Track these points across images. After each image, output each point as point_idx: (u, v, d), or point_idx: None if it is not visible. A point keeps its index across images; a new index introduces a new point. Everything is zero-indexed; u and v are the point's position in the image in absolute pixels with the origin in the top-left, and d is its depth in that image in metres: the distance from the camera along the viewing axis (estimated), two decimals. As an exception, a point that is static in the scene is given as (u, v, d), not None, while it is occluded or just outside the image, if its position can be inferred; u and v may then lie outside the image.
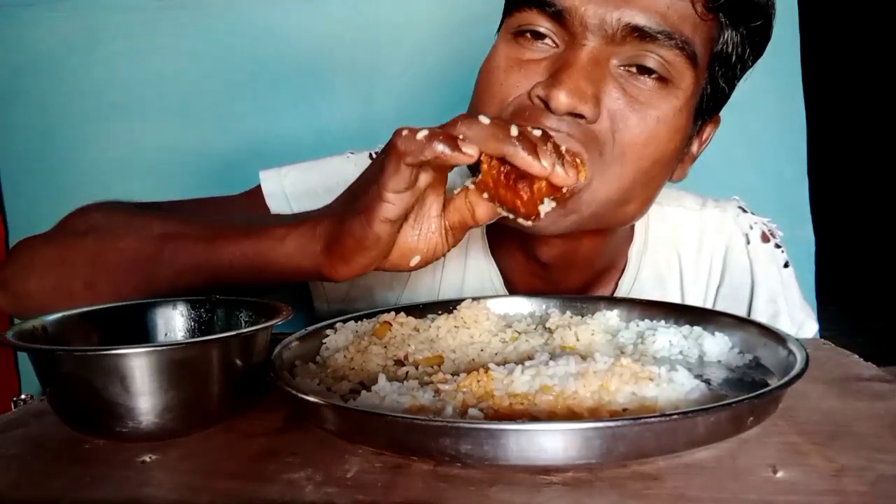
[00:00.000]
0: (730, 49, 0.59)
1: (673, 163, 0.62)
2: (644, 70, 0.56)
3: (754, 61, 0.63)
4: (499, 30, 0.64)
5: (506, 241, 0.73)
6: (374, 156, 0.79)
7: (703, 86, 0.60)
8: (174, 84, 1.20)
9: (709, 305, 0.77)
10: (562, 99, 0.53)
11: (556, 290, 0.73)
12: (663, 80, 0.56)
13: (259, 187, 0.75)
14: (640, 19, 0.54)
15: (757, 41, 0.62)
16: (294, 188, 0.75)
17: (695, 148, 0.66)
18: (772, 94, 1.18)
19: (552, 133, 0.52)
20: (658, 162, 0.59)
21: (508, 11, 0.61)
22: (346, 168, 0.76)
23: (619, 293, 0.76)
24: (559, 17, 0.55)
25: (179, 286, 0.55)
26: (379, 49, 1.20)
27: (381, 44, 1.20)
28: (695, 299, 0.77)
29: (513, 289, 0.75)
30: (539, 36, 0.57)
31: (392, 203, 0.44)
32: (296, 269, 0.52)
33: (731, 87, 0.63)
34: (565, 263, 0.70)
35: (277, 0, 1.19)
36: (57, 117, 1.20)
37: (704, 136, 0.67)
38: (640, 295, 0.76)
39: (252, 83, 1.19)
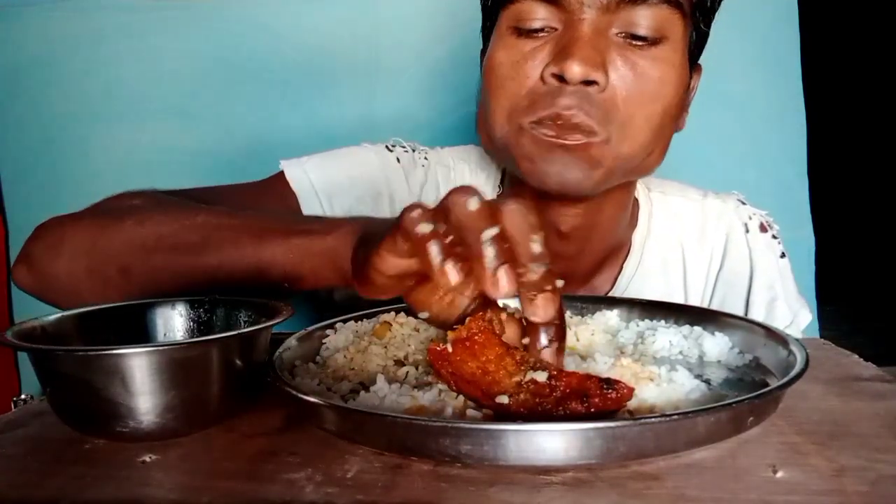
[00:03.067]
0: None
1: (679, 112, 0.67)
2: (639, 38, 0.60)
3: (720, 3, 0.68)
4: (494, 20, 0.66)
5: None
6: (391, 148, 0.82)
7: (690, 33, 0.64)
8: (174, 84, 1.20)
9: (709, 290, 0.80)
10: (575, 69, 0.57)
11: (568, 270, 0.75)
12: (658, 40, 0.60)
13: (280, 174, 0.76)
14: None
15: None
16: (316, 175, 0.76)
17: (687, 96, 0.70)
18: (772, 94, 1.19)
19: (566, 113, 0.58)
20: (667, 113, 0.63)
21: (503, 4, 0.64)
22: (368, 158, 0.79)
23: (624, 277, 0.78)
24: (555, 1, 0.59)
25: (219, 278, 0.55)
26: (379, 49, 1.20)
27: (382, 44, 1.20)
28: (696, 284, 0.80)
29: None
30: (537, 30, 0.61)
31: (384, 259, 0.43)
32: (333, 271, 0.52)
33: (709, 28, 0.68)
34: (583, 235, 0.72)
35: (277, 0, 1.19)
36: (57, 117, 1.20)
37: (692, 85, 0.71)
38: (643, 278, 0.78)
39: (252, 83, 1.19)
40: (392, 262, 0.42)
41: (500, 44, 0.63)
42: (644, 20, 0.59)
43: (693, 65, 0.68)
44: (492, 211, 0.38)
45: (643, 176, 0.72)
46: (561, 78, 0.59)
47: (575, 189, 0.63)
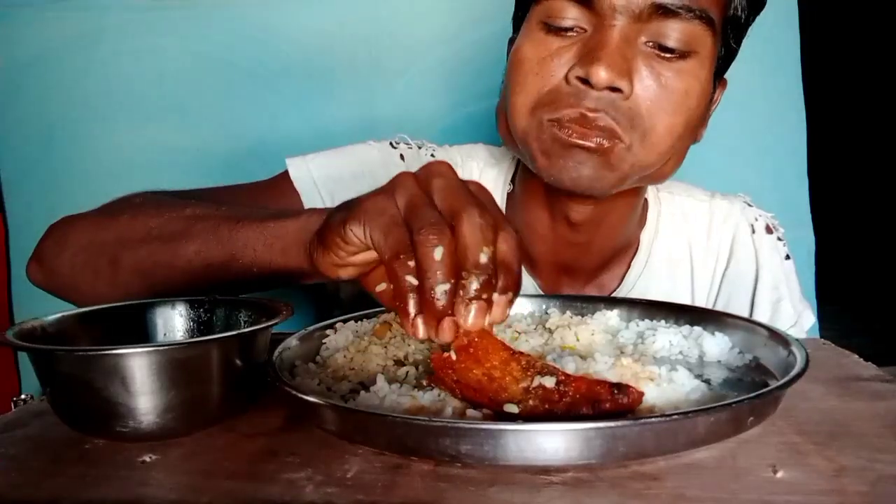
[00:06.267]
0: (738, 12, 0.64)
1: (700, 124, 0.67)
2: (668, 49, 0.60)
3: (753, 19, 0.67)
4: (525, 11, 0.66)
5: (532, 210, 0.76)
6: (395, 145, 0.83)
7: (719, 49, 0.64)
8: (174, 84, 1.19)
9: (715, 289, 0.81)
10: (602, 74, 0.58)
11: (577, 262, 0.77)
12: (687, 54, 0.60)
13: (285, 173, 0.77)
14: None
15: (758, 1, 0.66)
16: (319, 172, 0.77)
17: (709, 110, 0.70)
18: (772, 94, 1.19)
19: (591, 115, 0.59)
20: (688, 125, 0.63)
21: (533, 1, 0.64)
22: (370, 154, 0.80)
23: (631, 274, 0.79)
24: (586, 3, 0.59)
25: (196, 266, 0.57)
26: (379, 49, 1.20)
27: (382, 43, 1.19)
28: (702, 283, 0.81)
29: (532, 267, 0.78)
30: (566, 28, 0.61)
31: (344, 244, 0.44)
32: (302, 253, 0.52)
33: (738, 46, 0.68)
34: (593, 227, 0.73)
35: (277, 0, 1.19)
36: (57, 117, 1.20)
37: (715, 98, 0.71)
38: (651, 277, 0.79)
39: (252, 83, 1.19)
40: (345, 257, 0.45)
41: (529, 38, 0.64)
42: (674, 33, 0.59)
43: (718, 79, 0.68)
44: (451, 214, 0.39)
45: (656, 183, 0.73)
46: (586, 81, 0.59)
47: (587, 189, 0.63)
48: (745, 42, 0.69)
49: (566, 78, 0.60)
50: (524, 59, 0.63)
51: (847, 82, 4.23)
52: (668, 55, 0.60)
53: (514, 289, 0.40)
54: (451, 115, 1.20)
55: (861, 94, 4.31)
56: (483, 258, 0.38)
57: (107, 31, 1.19)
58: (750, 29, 0.68)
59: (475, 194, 0.42)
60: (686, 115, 0.62)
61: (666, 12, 0.58)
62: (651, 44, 0.60)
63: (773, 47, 1.17)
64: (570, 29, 0.61)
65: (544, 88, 0.62)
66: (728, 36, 0.65)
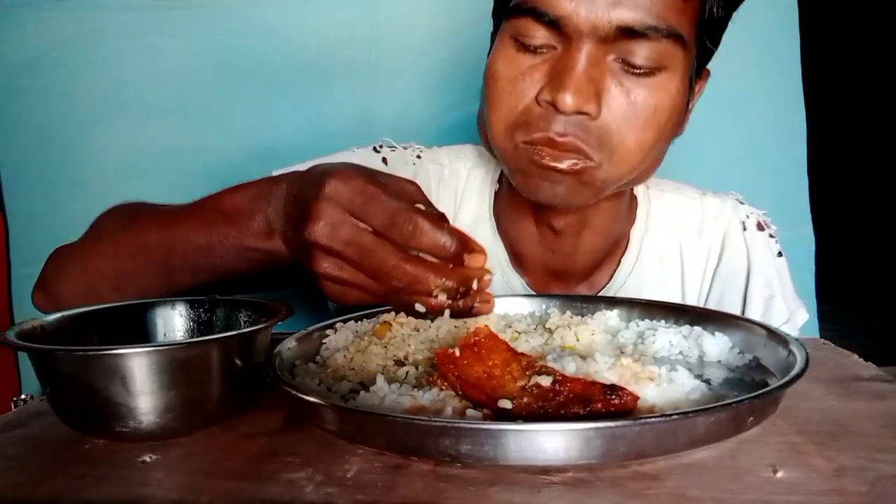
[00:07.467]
0: (714, 14, 0.62)
1: (676, 128, 0.66)
2: (636, 65, 0.59)
3: (732, 14, 0.65)
4: (495, 28, 0.66)
5: (517, 214, 0.77)
6: (378, 149, 0.83)
7: (693, 56, 0.63)
8: (174, 84, 1.20)
9: (706, 287, 0.81)
10: (568, 101, 0.58)
11: (564, 264, 0.77)
12: (656, 69, 0.60)
13: None
14: (629, 19, 0.57)
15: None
16: None
17: (690, 104, 0.70)
18: (772, 94, 1.19)
19: (560, 139, 0.59)
20: (662, 134, 0.63)
21: (505, 16, 0.63)
22: (352, 161, 0.79)
23: (621, 272, 0.79)
24: (554, 25, 0.59)
25: (196, 281, 0.57)
26: (379, 49, 1.20)
27: (381, 44, 1.20)
28: (693, 281, 0.81)
29: (520, 265, 0.79)
30: (538, 46, 0.61)
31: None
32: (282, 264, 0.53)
33: (718, 44, 0.67)
34: (576, 231, 0.74)
35: (277, 0, 1.19)
36: (57, 117, 1.20)
37: (697, 89, 0.70)
38: (641, 274, 0.79)
39: (252, 83, 1.19)
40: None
41: (501, 54, 0.63)
42: (642, 51, 0.59)
43: (697, 76, 0.67)
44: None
45: (638, 184, 0.73)
46: (554, 105, 0.59)
47: (563, 204, 0.64)
48: (744, 41, 0.68)
49: (537, 99, 0.60)
50: (497, 76, 0.63)
51: (847, 82, 4.23)
52: (637, 70, 0.60)
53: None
54: (451, 115, 1.20)
55: (861, 94, 4.31)
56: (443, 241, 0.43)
57: (107, 31, 1.19)
58: (731, 22, 0.66)
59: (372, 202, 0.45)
60: (656, 129, 0.62)
61: (632, 34, 0.58)
62: (620, 60, 0.60)
63: (773, 47, 1.17)
64: (541, 47, 0.61)
65: (517, 108, 0.62)
66: (703, 41, 0.64)
